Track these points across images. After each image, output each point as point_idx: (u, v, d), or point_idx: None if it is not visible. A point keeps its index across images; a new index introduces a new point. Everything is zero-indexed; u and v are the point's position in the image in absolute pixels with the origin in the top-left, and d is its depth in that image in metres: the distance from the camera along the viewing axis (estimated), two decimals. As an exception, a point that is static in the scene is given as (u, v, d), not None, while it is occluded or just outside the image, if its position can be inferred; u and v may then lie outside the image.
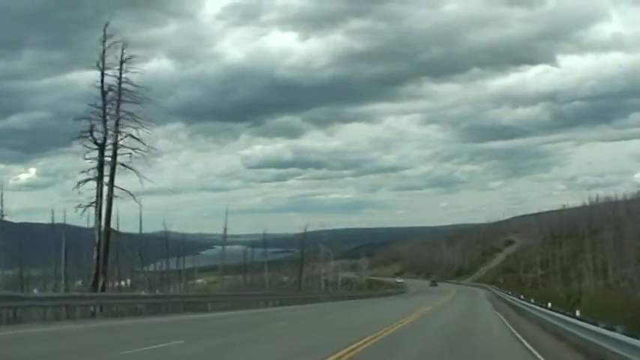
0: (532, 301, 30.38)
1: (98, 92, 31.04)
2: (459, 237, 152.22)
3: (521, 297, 38.21)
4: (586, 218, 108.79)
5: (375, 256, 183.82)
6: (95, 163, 30.85)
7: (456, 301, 54.25)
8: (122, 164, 31.11)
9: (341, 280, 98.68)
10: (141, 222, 39.22)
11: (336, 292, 68.36)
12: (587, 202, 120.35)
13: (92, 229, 30.63)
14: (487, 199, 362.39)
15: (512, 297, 43.42)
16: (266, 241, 69.03)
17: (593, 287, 56.47)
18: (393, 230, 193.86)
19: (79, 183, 30.42)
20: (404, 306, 41.73)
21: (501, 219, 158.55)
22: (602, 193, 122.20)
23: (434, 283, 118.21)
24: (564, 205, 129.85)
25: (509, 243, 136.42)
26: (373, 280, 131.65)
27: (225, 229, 50.34)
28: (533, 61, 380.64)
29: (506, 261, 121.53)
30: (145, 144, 31.15)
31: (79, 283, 38.48)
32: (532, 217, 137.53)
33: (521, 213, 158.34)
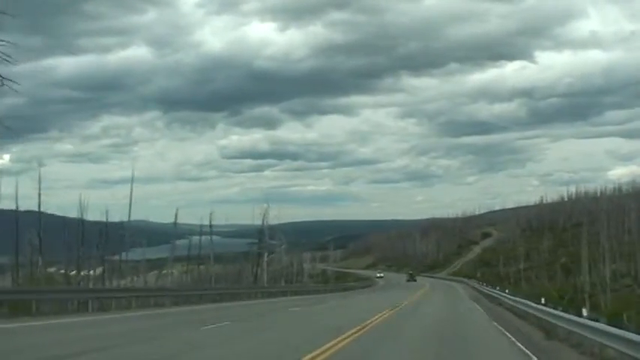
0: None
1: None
2: (433, 229, 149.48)
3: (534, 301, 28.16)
4: (566, 212, 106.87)
5: (348, 248, 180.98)
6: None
7: (429, 302, 40.75)
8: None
9: (308, 273, 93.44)
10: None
11: (286, 287, 58.98)
12: (565, 197, 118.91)
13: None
14: (462, 194, 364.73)
15: (511, 297, 31.56)
16: (240, 232, 64.88)
17: (588, 284, 53.41)
18: (368, 223, 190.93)
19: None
20: (353, 309, 31.14)
21: (477, 213, 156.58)
22: (581, 188, 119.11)
23: (412, 278, 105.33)
24: (542, 199, 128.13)
25: (486, 236, 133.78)
26: (341, 273, 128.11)
27: (210, 222, 50.16)
28: (510, 57, 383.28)
29: (483, 254, 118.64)
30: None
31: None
32: (509, 212, 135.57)
33: (497, 207, 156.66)
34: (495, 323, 22.31)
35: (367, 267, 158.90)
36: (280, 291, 51.00)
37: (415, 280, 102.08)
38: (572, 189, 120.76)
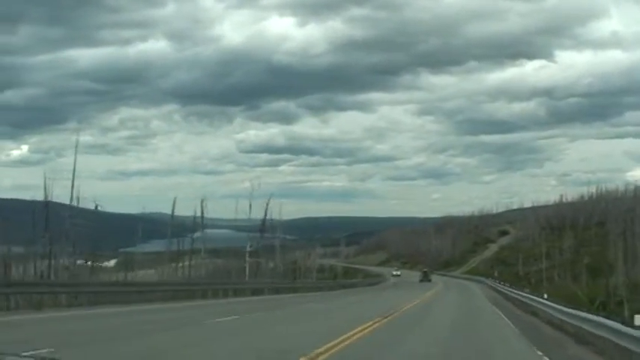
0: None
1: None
2: (449, 226, 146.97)
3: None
4: (587, 210, 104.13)
5: (361, 244, 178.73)
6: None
7: (437, 309, 32.27)
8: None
9: (316, 269, 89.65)
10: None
11: (262, 282, 51.13)
12: (585, 196, 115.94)
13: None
14: (479, 192, 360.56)
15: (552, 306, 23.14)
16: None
17: (624, 286, 50.68)
18: (384, 220, 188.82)
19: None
20: (330, 316, 25.08)
21: (494, 212, 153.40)
22: (602, 187, 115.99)
23: (425, 277, 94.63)
24: (562, 197, 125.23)
25: (504, 234, 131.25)
26: (351, 269, 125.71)
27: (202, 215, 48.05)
28: (530, 56, 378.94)
29: (500, 252, 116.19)
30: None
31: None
32: (527, 211, 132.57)
33: (514, 207, 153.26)
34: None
35: (380, 264, 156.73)
36: (255, 288, 44.47)
37: (430, 280, 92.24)
38: (593, 188, 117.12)
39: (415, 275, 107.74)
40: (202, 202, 46.35)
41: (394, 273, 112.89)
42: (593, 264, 78.78)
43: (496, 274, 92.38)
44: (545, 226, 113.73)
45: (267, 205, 56.52)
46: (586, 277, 74.10)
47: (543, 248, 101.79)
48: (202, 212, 45.71)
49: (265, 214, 55.52)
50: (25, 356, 2.20)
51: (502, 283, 59.40)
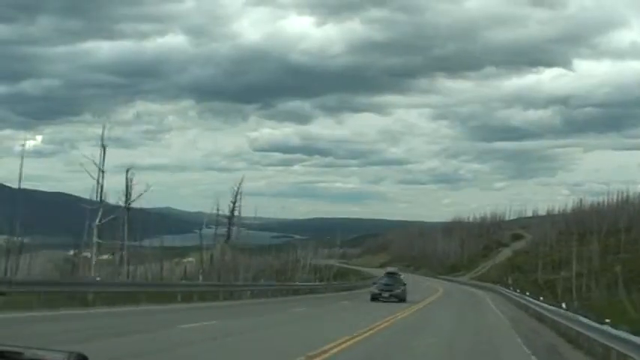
0: None
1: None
2: (458, 228, 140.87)
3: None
4: (609, 216, 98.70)
5: (364, 245, 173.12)
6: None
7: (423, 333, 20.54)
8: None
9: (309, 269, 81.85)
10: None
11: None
12: (605, 202, 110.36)
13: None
14: (490, 199, 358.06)
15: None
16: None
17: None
18: (394, 223, 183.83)
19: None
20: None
21: (506, 219, 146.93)
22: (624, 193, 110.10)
23: (387, 288, 43.68)
24: (580, 202, 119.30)
25: (518, 237, 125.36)
26: (348, 269, 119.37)
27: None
28: (548, 64, 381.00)
29: (514, 258, 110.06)
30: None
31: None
32: (541, 218, 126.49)
33: (528, 214, 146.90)
34: None
35: (381, 265, 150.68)
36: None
37: (401, 297, 42.76)
38: (613, 195, 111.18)
39: (419, 279, 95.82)
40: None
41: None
42: (628, 273, 73.15)
43: (510, 281, 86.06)
44: (563, 232, 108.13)
45: (235, 202, 49.22)
46: (621, 287, 68.72)
47: (564, 255, 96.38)
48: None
49: (232, 211, 48.44)
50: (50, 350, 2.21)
51: (521, 292, 45.49)
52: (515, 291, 50.07)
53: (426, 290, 60.25)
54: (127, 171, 36.08)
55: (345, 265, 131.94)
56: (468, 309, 36.80)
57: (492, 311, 36.35)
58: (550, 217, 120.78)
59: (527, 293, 40.55)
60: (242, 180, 50.30)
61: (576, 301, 50.68)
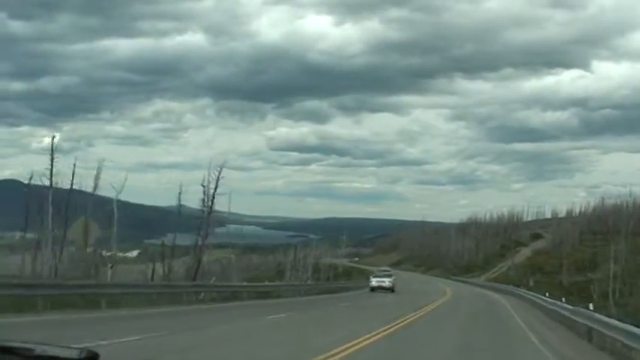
0: None
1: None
2: (473, 227, 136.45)
3: None
4: (634, 215, 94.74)
5: (376, 245, 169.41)
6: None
7: None
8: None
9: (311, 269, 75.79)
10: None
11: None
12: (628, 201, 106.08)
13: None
14: (508, 200, 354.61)
15: None
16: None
17: None
18: (409, 223, 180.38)
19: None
20: None
21: (524, 220, 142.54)
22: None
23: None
24: (602, 201, 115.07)
25: (537, 237, 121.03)
26: (351, 268, 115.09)
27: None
28: (567, 65, 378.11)
29: (534, 258, 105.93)
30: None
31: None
32: (558, 220, 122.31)
33: (546, 215, 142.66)
34: None
35: (392, 265, 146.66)
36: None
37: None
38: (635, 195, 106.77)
39: (424, 280, 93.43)
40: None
41: (379, 272, 68.21)
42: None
43: (531, 283, 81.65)
44: (585, 231, 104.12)
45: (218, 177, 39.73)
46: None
47: (587, 254, 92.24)
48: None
49: (211, 208, 40.02)
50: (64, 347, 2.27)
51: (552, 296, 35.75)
52: (544, 295, 38.09)
53: (429, 295, 49.97)
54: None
55: (354, 265, 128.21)
56: (479, 329, 23.95)
57: (521, 333, 22.76)
58: (570, 219, 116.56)
59: (563, 300, 30.19)
60: (222, 166, 40.03)
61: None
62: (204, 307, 27.55)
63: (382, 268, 77.36)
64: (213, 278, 37.78)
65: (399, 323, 21.81)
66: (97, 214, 31.84)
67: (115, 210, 32.24)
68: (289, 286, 50.66)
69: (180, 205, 37.25)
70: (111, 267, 30.61)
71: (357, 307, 33.60)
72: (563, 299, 30.60)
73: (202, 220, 38.67)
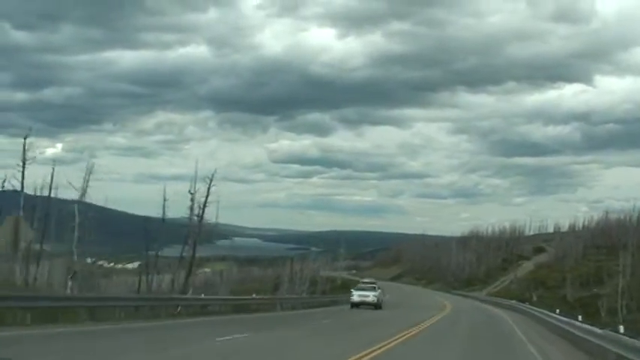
0: None
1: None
2: (475, 240, 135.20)
3: None
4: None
5: (376, 258, 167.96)
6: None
7: None
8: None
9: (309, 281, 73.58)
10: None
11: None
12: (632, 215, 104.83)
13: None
14: (509, 215, 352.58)
15: None
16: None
17: None
18: (410, 237, 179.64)
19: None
20: None
21: (526, 234, 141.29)
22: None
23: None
24: (606, 215, 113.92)
25: (540, 250, 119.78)
26: (354, 281, 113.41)
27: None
28: (570, 80, 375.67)
29: (536, 271, 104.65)
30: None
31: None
32: (561, 234, 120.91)
33: (549, 230, 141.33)
34: None
35: (392, 279, 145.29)
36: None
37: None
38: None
39: (424, 294, 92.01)
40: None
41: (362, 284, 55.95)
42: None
43: (535, 298, 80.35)
44: (589, 245, 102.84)
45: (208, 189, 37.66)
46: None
47: (592, 269, 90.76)
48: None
49: (202, 218, 37.59)
50: None
51: (566, 315, 31.64)
52: (554, 312, 35.25)
53: (426, 310, 46.00)
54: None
55: (352, 277, 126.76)
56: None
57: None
58: (573, 233, 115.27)
59: (580, 319, 27.28)
60: (213, 175, 37.25)
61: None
62: (160, 324, 23.56)
63: (365, 280, 61.86)
64: (190, 290, 35.90)
65: (384, 346, 18.26)
66: (85, 222, 30.99)
67: (77, 213, 30.23)
68: (269, 299, 46.17)
69: (164, 216, 35.54)
70: (71, 276, 28.74)
71: (340, 324, 28.82)
72: (580, 318, 27.46)
73: (190, 229, 36.89)
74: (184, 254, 37.54)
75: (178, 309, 28.60)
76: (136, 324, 22.65)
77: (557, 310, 35.88)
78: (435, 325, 31.63)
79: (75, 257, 29.99)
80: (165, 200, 35.03)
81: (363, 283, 55.46)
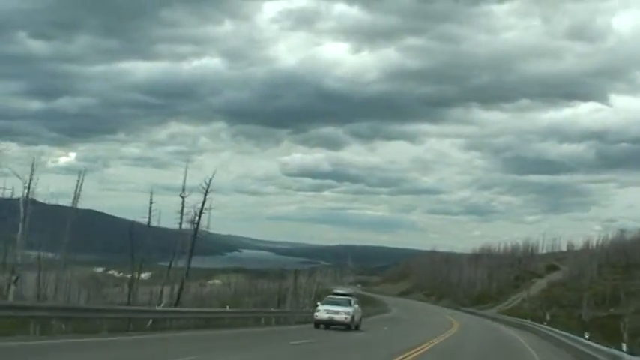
0: None
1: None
2: (486, 257, 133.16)
3: None
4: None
5: (385, 273, 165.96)
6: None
7: None
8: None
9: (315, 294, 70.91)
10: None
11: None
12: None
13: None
14: (521, 232, 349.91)
15: None
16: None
17: None
18: (422, 252, 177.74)
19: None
20: None
21: (540, 252, 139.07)
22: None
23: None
24: (622, 233, 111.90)
25: (553, 268, 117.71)
26: (360, 295, 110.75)
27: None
28: (584, 98, 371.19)
29: (549, 290, 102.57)
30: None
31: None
32: (574, 253, 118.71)
33: (562, 248, 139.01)
34: None
35: (401, 294, 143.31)
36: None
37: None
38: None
39: (431, 311, 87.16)
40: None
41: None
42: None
43: (548, 317, 77.91)
44: (604, 264, 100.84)
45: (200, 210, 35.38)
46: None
47: (608, 288, 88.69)
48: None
49: (198, 226, 34.92)
50: None
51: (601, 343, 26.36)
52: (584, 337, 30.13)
53: (428, 328, 41.74)
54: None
55: (359, 292, 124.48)
56: None
57: None
58: (588, 251, 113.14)
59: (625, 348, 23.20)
60: (209, 184, 34.75)
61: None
62: (105, 340, 18.78)
63: (338, 290, 42.86)
64: (162, 303, 32.98)
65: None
66: (77, 227, 30.97)
67: (22, 209, 28.10)
68: (242, 313, 39.06)
69: (149, 223, 33.19)
70: (14, 281, 26.40)
71: (312, 349, 21.47)
72: (624, 346, 23.47)
73: (181, 239, 34.70)
74: (180, 264, 35.81)
75: (149, 322, 25.85)
76: (76, 339, 18.16)
77: (587, 335, 31.23)
78: (440, 344, 27.95)
79: (19, 259, 27.81)
80: (151, 203, 33.12)
81: (335, 294, 39.70)
